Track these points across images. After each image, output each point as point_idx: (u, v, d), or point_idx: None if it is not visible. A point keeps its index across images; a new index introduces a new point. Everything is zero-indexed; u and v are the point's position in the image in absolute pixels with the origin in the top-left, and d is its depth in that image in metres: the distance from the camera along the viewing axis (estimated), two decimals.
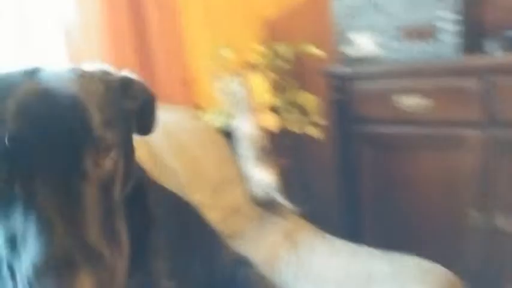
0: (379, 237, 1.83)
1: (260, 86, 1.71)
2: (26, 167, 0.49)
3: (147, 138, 1.25)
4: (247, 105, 1.53)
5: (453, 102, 1.59)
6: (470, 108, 1.56)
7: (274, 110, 1.71)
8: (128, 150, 0.63)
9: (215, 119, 1.55)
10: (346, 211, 1.92)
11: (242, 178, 1.47)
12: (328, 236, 1.43)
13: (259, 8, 2.20)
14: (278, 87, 1.73)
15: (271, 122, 1.67)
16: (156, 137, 1.30)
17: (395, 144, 1.76)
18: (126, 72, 0.68)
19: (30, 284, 0.44)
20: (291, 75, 1.75)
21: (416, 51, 1.65)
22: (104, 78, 0.63)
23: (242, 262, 1.04)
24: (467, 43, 1.62)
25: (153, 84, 1.59)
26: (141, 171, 0.74)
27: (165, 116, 1.40)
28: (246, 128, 1.51)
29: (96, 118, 0.54)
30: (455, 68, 1.60)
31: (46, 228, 0.46)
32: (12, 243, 0.48)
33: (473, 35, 1.67)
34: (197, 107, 1.68)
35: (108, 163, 0.55)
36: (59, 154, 0.50)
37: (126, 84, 0.66)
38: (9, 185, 0.49)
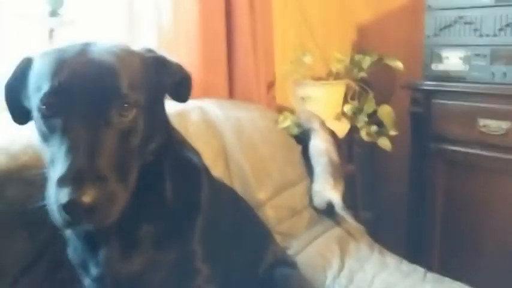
0: (443, 257, 1.80)
1: (337, 93, 1.77)
2: (68, 106, 0.68)
3: (220, 131, 1.41)
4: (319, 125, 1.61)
5: None
6: None
7: (347, 117, 1.75)
8: (155, 113, 0.79)
9: (291, 124, 1.64)
10: (413, 227, 1.91)
11: (306, 183, 1.54)
12: (382, 250, 1.46)
13: (354, 15, 2.23)
14: (355, 96, 1.77)
15: (343, 128, 1.72)
16: (229, 132, 1.44)
17: (472, 165, 1.71)
18: (164, 54, 0.85)
19: (55, 189, 0.63)
20: (368, 84, 1.77)
21: (507, 74, 1.58)
22: (141, 54, 0.79)
23: (285, 261, 1.13)
24: None
25: (239, 85, 1.72)
26: (173, 137, 0.89)
27: (242, 113, 1.54)
28: (319, 144, 1.57)
29: (124, 81, 0.71)
30: None
31: (71, 153, 0.65)
32: (51, 161, 0.68)
33: None
34: (279, 110, 1.78)
35: (130, 117, 0.71)
36: (92, 102, 0.68)
37: (161, 62, 0.82)
38: (55, 116, 0.68)
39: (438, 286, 1.21)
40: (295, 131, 1.64)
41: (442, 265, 1.74)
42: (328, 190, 1.47)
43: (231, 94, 1.74)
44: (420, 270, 1.34)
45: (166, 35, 1.56)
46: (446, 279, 1.25)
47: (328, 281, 1.24)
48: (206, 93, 1.61)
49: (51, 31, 1.52)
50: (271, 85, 1.84)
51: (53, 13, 1.52)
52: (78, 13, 1.57)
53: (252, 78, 1.72)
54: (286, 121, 1.63)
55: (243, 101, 1.70)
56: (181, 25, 1.57)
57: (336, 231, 1.47)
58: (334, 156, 1.56)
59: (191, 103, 1.42)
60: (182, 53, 1.56)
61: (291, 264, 1.15)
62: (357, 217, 1.65)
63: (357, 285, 1.20)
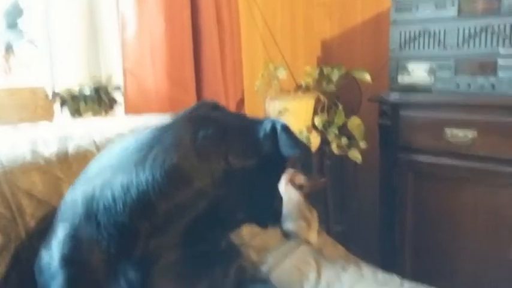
0: (415, 266, 1.81)
1: (307, 107, 1.76)
2: None
3: None
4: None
5: (503, 139, 1.55)
6: None
7: (318, 130, 1.75)
8: None
9: None
10: (384, 237, 1.91)
11: None
12: (358, 261, 1.44)
13: (319, 30, 2.26)
14: (323, 108, 1.77)
15: (315, 141, 1.71)
16: None
17: (440, 175, 1.73)
18: None
19: None
20: (338, 97, 1.78)
21: (472, 84, 1.63)
22: None
23: (255, 277, 1.09)
24: None
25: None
26: None
27: None
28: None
29: None
30: (510, 105, 1.55)
31: None
32: None
33: None
34: None
35: None
36: None
37: None
38: None
39: None
40: None
41: (414, 274, 1.75)
42: (304, 232, 1.45)
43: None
44: (396, 279, 1.32)
45: (131, 50, 1.51)
46: (423, 286, 1.24)
47: None
48: (173, 110, 1.56)
49: (9, 45, 1.45)
50: (240, 101, 1.82)
51: (11, 25, 1.45)
52: (37, 28, 1.50)
53: (221, 93, 1.69)
54: None
55: None
56: (146, 39, 1.52)
57: (312, 243, 1.44)
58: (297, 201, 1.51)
59: (159, 119, 1.38)
60: (147, 68, 1.51)
61: (262, 280, 1.11)
62: (328, 230, 1.64)
63: None
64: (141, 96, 1.48)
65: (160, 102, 1.49)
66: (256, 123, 0.85)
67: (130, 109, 1.49)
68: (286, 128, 0.82)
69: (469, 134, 1.62)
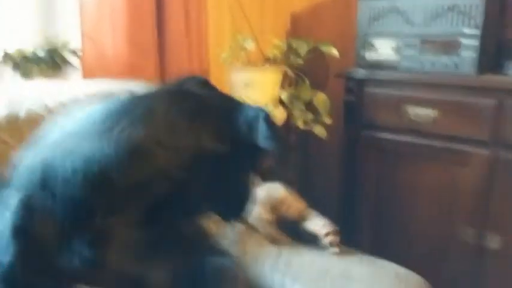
0: (374, 240, 1.85)
1: (274, 80, 1.74)
2: None
3: None
4: None
5: (464, 119, 1.58)
6: (480, 127, 1.55)
7: (283, 104, 1.73)
8: None
9: None
10: (346, 211, 1.94)
11: None
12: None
13: (288, 2, 2.22)
14: (291, 83, 1.75)
15: (281, 116, 1.69)
16: None
17: (401, 152, 1.76)
18: None
19: None
20: (305, 72, 1.77)
21: (436, 63, 1.64)
22: None
23: (217, 250, 1.07)
24: (487, 62, 1.61)
25: (171, 69, 1.62)
26: None
27: None
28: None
29: None
30: (471, 86, 1.58)
31: None
32: None
33: (494, 55, 1.65)
34: None
35: None
36: None
37: None
38: None
39: (374, 267, 1.22)
40: None
41: (372, 248, 1.78)
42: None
43: (162, 79, 1.64)
44: (356, 253, 1.35)
45: (89, 12, 1.44)
46: (381, 260, 1.27)
47: (267, 269, 1.21)
48: (133, 76, 1.50)
49: None
50: (205, 71, 1.77)
51: None
52: None
53: (184, 62, 1.64)
54: None
55: None
56: (106, 2, 1.45)
57: None
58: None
59: (118, 85, 1.32)
60: (106, 32, 1.44)
61: (222, 253, 1.10)
62: None
63: (295, 270, 1.18)
64: (100, 61, 1.42)
65: (119, 68, 1.43)
66: (240, 107, 0.81)
67: (87, 74, 1.42)
68: (268, 118, 0.78)
69: (431, 113, 1.65)
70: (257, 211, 1.34)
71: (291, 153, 1.83)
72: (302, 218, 1.36)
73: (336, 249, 1.26)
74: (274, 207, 1.37)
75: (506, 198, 1.53)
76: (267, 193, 1.40)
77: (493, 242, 1.55)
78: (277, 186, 1.44)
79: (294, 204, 1.40)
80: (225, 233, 1.33)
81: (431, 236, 1.72)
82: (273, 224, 1.35)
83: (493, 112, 1.52)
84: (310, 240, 1.31)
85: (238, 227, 1.34)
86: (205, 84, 0.87)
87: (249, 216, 1.31)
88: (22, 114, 1.01)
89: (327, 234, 1.28)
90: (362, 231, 1.89)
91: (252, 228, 1.34)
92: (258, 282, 1.17)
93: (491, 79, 1.56)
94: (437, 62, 1.64)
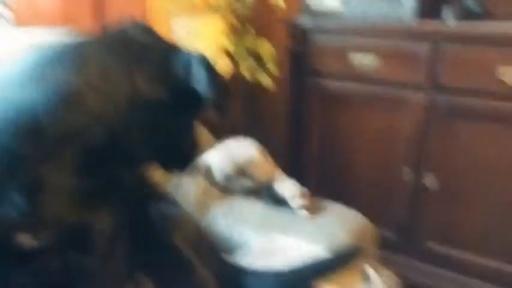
0: (320, 184, 1.93)
1: (217, 29, 1.72)
2: None
3: None
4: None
5: (402, 64, 1.65)
6: (417, 72, 1.62)
7: (229, 54, 1.72)
8: None
9: None
10: (293, 157, 2.00)
11: None
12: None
13: None
14: (236, 32, 1.74)
15: (225, 65, 1.69)
16: None
17: (345, 99, 1.82)
18: None
19: None
20: (250, 21, 1.75)
21: (376, 10, 1.68)
22: None
23: (160, 196, 1.07)
24: (424, 8, 1.65)
25: (108, 17, 1.56)
26: None
27: None
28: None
29: None
30: (408, 32, 1.63)
31: None
32: None
33: (434, 1, 1.70)
34: None
35: None
36: None
37: None
38: None
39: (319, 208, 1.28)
40: None
41: (318, 192, 1.87)
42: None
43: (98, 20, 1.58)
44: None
45: None
46: (326, 201, 1.33)
47: (211, 212, 1.25)
48: (67, 25, 1.44)
49: None
50: (145, 19, 1.72)
51: None
52: None
53: (123, 10, 1.57)
54: None
55: None
56: None
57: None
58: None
59: (51, 34, 1.27)
60: None
61: (165, 199, 1.11)
62: None
63: (245, 216, 1.23)
64: (31, 9, 1.34)
65: (52, 16, 1.36)
66: (178, 52, 0.78)
67: (19, 23, 1.35)
68: (206, 63, 0.76)
69: (371, 59, 1.70)
70: (220, 164, 1.34)
71: (232, 101, 1.83)
72: (270, 180, 1.34)
73: (304, 212, 1.24)
74: (241, 164, 1.35)
75: (441, 140, 1.62)
76: (237, 149, 1.38)
77: (429, 180, 1.66)
78: (249, 144, 1.42)
79: (263, 165, 1.39)
80: (174, 183, 1.34)
81: (373, 177, 1.81)
82: (233, 179, 1.35)
83: (429, 56, 1.58)
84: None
85: (194, 179, 1.35)
86: (147, 30, 0.83)
87: (202, 167, 1.32)
88: None
89: (293, 197, 1.26)
90: (309, 176, 1.96)
91: (207, 178, 1.36)
92: (210, 229, 1.21)
93: (428, 24, 1.62)
94: (378, 9, 1.67)
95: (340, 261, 0.99)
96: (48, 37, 1.21)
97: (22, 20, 1.34)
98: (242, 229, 1.16)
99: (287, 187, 1.30)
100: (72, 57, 0.73)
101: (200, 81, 0.75)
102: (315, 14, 1.81)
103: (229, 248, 1.12)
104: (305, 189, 1.30)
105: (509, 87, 1.45)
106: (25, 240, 0.71)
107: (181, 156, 0.87)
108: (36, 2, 1.36)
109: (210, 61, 0.78)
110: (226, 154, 1.36)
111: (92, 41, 0.79)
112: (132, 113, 0.72)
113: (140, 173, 1.01)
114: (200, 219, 1.21)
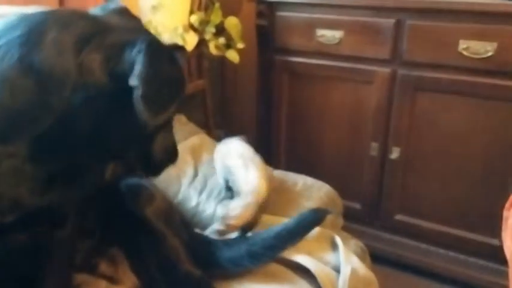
0: (289, 160, 1.96)
1: (183, 3, 1.69)
2: None
3: None
4: None
5: (367, 39, 1.67)
6: (381, 46, 1.65)
7: (195, 29, 1.70)
8: None
9: None
10: (263, 134, 2.01)
11: None
12: None
13: None
14: (201, 7, 1.71)
15: (192, 41, 1.67)
16: None
17: (311, 74, 1.83)
18: None
19: None
20: None
21: None
22: None
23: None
24: None
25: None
26: None
27: None
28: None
29: None
30: (374, 6, 1.65)
31: None
32: None
33: None
34: None
35: None
36: None
37: None
38: None
39: (286, 178, 1.30)
40: None
41: (288, 169, 1.89)
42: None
43: (61, 3, 1.53)
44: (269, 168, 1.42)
45: None
46: (292, 173, 1.35)
47: (183, 188, 1.24)
48: (30, 1, 1.38)
49: None
50: None
51: None
52: None
53: None
54: None
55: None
56: None
57: (190, 142, 1.46)
58: None
59: (13, 11, 1.22)
60: None
61: (137, 175, 1.09)
62: (209, 134, 1.66)
63: (210, 188, 1.23)
64: None
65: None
66: (138, 39, 0.65)
67: None
68: (148, 52, 0.63)
69: (337, 34, 1.71)
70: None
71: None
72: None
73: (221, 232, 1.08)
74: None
75: (406, 114, 1.66)
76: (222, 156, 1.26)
77: (394, 153, 1.71)
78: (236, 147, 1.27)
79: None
80: None
81: (340, 152, 1.85)
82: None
83: (393, 31, 1.61)
84: None
85: None
86: (121, 12, 0.75)
87: None
88: None
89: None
90: (279, 151, 1.98)
91: None
92: (176, 197, 1.20)
93: None
94: None
95: (309, 226, 1.01)
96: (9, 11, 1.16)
97: None
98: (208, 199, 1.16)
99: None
100: (20, 31, 0.66)
101: (133, 72, 0.63)
102: None
103: (202, 222, 1.13)
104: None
105: (470, 61, 1.50)
106: None
107: (143, 159, 0.77)
108: None
109: (155, 49, 0.65)
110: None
111: (46, 15, 0.73)
112: (79, 100, 0.64)
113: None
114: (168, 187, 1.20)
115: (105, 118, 0.67)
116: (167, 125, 0.77)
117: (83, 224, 0.85)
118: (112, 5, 0.77)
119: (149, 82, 0.62)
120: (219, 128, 2.10)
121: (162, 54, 0.66)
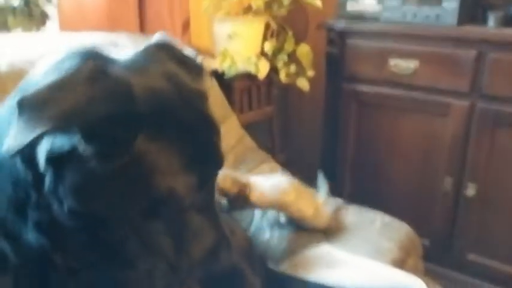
0: (356, 191, 1.91)
1: (257, 31, 1.70)
2: None
3: None
4: None
5: (445, 70, 1.61)
6: (460, 78, 1.59)
7: (266, 56, 1.71)
8: None
9: (231, 64, 1.55)
10: (327, 164, 1.98)
11: (234, 118, 1.53)
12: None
13: None
14: (273, 34, 1.72)
15: (263, 69, 1.68)
16: None
17: (382, 104, 1.79)
18: None
19: None
20: (287, 23, 1.74)
21: (417, 14, 1.65)
22: None
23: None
24: (467, 13, 1.62)
25: (151, 20, 1.57)
26: None
27: None
28: None
29: None
30: (452, 37, 1.60)
31: None
32: None
33: (477, 6, 1.66)
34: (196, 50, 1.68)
35: None
36: None
37: None
38: None
39: (361, 216, 1.26)
40: (232, 72, 1.56)
41: (354, 200, 1.85)
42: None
43: (142, 31, 1.59)
44: (339, 200, 1.39)
45: None
46: (367, 209, 1.31)
47: (256, 221, 1.23)
48: (113, 27, 1.44)
49: None
50: (186, 22, 1.72)
51: None
52: None
53: (164, 12, 1.58)
54: (226, 61, 1.56)
55: None
56: None
57: (260, 170, 1.46)
58: None
59: (101, 37, 1.27)
60: None
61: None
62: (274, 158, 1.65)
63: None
64: (77, 11, 1.35)
65: (98, 19, 1.37)
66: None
67: (65, 25, 1.35)
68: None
69: (412, 64, 1.67)
70: None
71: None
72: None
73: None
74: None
75: (482, 148, 1.59)
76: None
77: (470, 189, 1.62)
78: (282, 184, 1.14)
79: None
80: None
81: (411, 185, 1.78)
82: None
83: (473, 63, 1.55)
84: None
85: None
86: (163, 47, 0.64)
87: None
88: (4, 68, 0.97)
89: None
90: (344, 183, 1.94)
91: None
92: (249, 230, 1.19)
93: (472, 30, 1.58)
94: (419, 13, 1.64)
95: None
96: (96, 40, 1.21)
97: (67, 22, 1.34)
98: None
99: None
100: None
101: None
102: (352, 16, 1.79)
103: (276, 257, 1.11)
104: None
105: None
106: None
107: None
108: (81, 3, 1.36)
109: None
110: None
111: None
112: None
113: None
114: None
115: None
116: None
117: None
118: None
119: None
120: (282, 153, 2.09)
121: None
